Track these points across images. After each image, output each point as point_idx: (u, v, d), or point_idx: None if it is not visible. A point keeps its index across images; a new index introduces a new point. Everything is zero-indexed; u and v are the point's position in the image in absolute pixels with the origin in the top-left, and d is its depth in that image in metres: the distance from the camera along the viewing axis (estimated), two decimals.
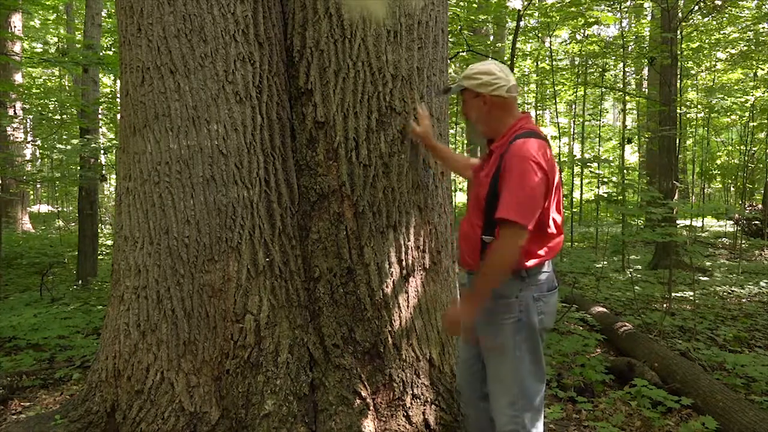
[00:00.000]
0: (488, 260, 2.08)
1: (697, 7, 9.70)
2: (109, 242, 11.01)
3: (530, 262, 2.11)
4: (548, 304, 2.18)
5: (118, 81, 5.24)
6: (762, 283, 7.65)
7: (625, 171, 10.46)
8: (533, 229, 2.05)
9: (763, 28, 11.05)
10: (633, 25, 14.89)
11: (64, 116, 10.95)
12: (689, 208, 8.97)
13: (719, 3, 9.74)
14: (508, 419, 2.15)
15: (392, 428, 2.59)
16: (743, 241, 11.33)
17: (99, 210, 9.03)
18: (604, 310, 5.55)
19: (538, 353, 2.17)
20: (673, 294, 6.24)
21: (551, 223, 2.14)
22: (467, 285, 2.35)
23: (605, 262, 8.97)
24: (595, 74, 12.87)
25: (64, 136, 10.96)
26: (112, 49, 9.78)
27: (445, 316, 2.21)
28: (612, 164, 12.15)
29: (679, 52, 10.16)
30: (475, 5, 8.13)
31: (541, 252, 2.13)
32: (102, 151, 8.38)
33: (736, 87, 13.15)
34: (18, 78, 11.58)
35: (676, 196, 9.21)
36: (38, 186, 16.47)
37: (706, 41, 11.77)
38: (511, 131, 2.19)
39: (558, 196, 2.18)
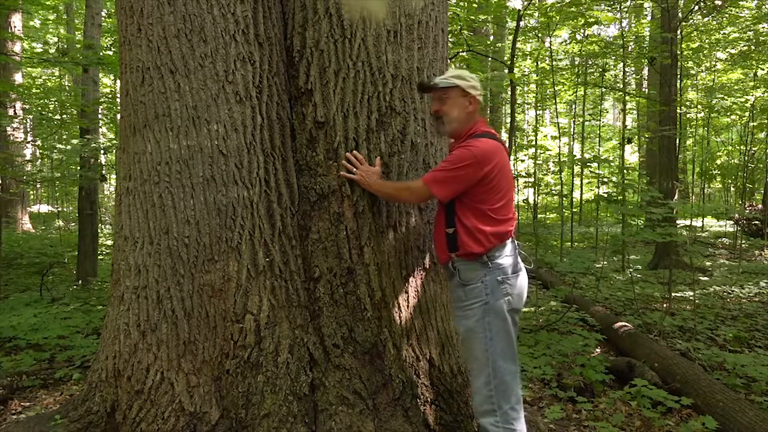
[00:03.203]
0: (396, 185, 2.57)
1: (697, 7, 9.71)
2: (109, 242, 11.01)
3: (486, 246, 2.35)
4: (514, 286, 2.39)
5: (118, 81, 5.24)
6: (762, 283, 7.65)
7: (625, 171, 10.46)
8: (483, 213, 2.35)
9: (763, 28, 11.05)
10: (633, 25, 14.90)
11: (64, 116, 10.96)
12: (689, 208, 8.97)
13: (719, 3, 9.74)
14: (482, 398, 2.34)
15: (392, 428, 2.59)
16: (743, 241, 11.33)
17: (99, 210, 9.02)
18: (604, 310, 5.55)
19: (509, 334, 2.36)
20: (673, 294, 6.24)
21: (502, 210, 2.39)
22: (450, 278, 2.53)
23: (605, 262, 8.97)
24: (595, 74, 12.87)
25: (64, 136, 10.97)
26: (112, 49, 9.79)
27: (362, 168, 2.56)
28: (612, 164, 12.14)
29: (679, 52, 10.16)
30: (475, 5, 8.11)
31: (492, 236, 2.36)
32: (102, 151, 8.38)
33: (736, 87, 13.15)
34: (18, 78, 11.59)
35: (676, 196, 9.21)
36: (38, 186, 16.47)
37: (706, 41, 11.77)
38: (471, 131, 2.46)
39: (503, 188, 2.40)
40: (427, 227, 2.83)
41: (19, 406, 3.42)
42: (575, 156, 13.47)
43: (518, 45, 10.57)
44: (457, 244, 2.39)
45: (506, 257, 2.39)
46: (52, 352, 4.37)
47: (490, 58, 9.11)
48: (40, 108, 10.54)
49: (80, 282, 7.25)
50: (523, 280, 2.44)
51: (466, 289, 2.39)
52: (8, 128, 10.26)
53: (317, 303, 2.69)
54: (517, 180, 10.78)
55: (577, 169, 12.61)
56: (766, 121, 12.27)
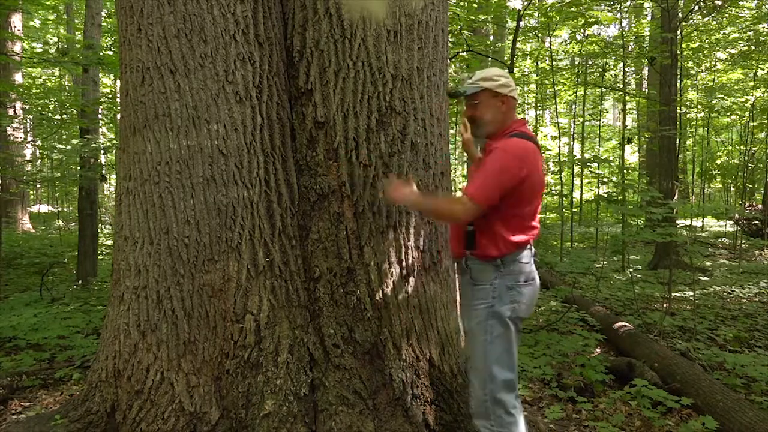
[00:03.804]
0: (439, 203, 2.45)
1: (697, 7, 9.71)
2: (109, 242, 11.01)
3: (502, 251, 2.29)
4: (523, 294, 2.33)
5: (118, 81, 5.24)
6: (762, 283, 7.65)
7: (625, 171, 10.46)
8: (509, 218, 2.27)
9: (763, 28, 11.05)
10: (633, 25, 14.89)
11: (64, 116, 10.96)
12: (689, 208, 8.97)
13: (719, 3, 9.74)
14: (478, 401, 2.32)
15: (392, 428, 2.59)
16: (743, 241, 11.33)
17: (99, 210, 9.02)
18: (604, 310, 5.55)
19: (509, 341, 2.32)
20: (673, 294, 6.24)
21: (528, 217, 2.32)
22: (461, 274, 2.48)
23: (605, 262, 8.97)
24: (595, 74, 12.86)
25: (64, 136, 10.97)
26: (112, 49, 9.79)
27: (397, 186, 2.42)
28: (612, 164, 12.14)
29: (679, 52, 10.16)
30: (475, 5, 8.11)
31: (515, 239, 2.29)
32: (102, 151, 8.38)
33: (736, 87, 13.15)
34: (18, 78, 11.58)
35: (676, 196, 9.21)
36: (38, 186, 16.47)
37: (706, 41, 11.77)
38: (509, 130, 2.37)
39: (537, 194, 2.34)
40: (428, 227, 2.83)
41: (19, 406, 3.42)
42: (575, 156, 13.47)
43: (518, 45, 10.56)
44: (474, 244, 2.33)
45: (520, 264, 2.32)
46: (52, 352, 4.36)
47: (490, 58, 9.10)
48: (40, 108, 10.54)
49: (80, 282, 7.25)
50: (533, 290, 2.38)
51: (475, 289, 2.35)
52: (8, 128, 10.26)
53: (317, 303, 2.69)
54: None
55: (577, 169, 12.61)
56: (766, 121, 12.27)
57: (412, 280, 2.76)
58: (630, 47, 11.74)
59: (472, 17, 7.95)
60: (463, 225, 2.35)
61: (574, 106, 14.59)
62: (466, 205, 2.22)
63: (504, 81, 2.37)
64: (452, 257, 2.61)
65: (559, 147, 14.73)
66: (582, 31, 11.48)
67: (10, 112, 10.26)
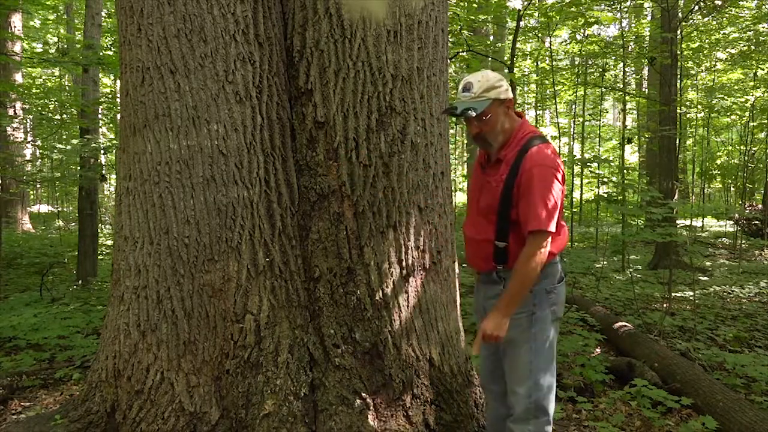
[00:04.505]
0: (521, 270, 2.13)
1: (697, 7, 9.71)
2: (109, 242, 11.01)
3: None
4: (559, 294, 2.29)
5: (118, 81, 5.24)
6: (762, 283, 7.65)
7: (625, 171, 10.46)
8: None
9: (763, 28, 11.05)
10: (633, 25, 14.89)
11: (64, 116, 10.97)
12: (689, 208, 8.97)
13: (719, 3, 9.74)
14: (523, 409, 2.24)
15: (392, 428, 2.59)
16: (743, 241, 11.33)
17: (99, 210, 9.02)
18: (604, 310, 5.55)
19: (552, 345, 2.29)
20: (673, 294, 6.24)
21: (557, 225, 2.20)
22: (489, 284, 2.35)
23: (605, 262, 8.97)
24: (595, 74, 12.87)
25: (64, 136, 10.97)
26: (112, 49, 9.79)
27: (481, 332, 2.23)
28: (612, 164, 12.14)
29: (679, 52, 10.16)
30: (475, 5, 8.11)
31: (554, 248, 2.21)
32: (102, 151, 8.38)
33: (736, 87, 13.15)
34: (18, 78, 11.58)
35: (676, 196, 9.21)
36: (38, 186, 16.47)
37: (706, 41, 11.77)
38: (519, 136, 2.23)
39: (563, 202, 2.26)
40: (428, 227, 2.83)
41: (19, 406, 3.42)
42: (575, 156, 13.47)
43: (518, 45, 10.56)
44: (507, 258, 2.21)
45: (554, 265, 2.26)
46: (52, 352, 4.36)
47: (490, 58, 9.10)
48: (40, 108, 10.54)
49: (80, 282, 7.25)
50: (565, 288, 2.35)
51: None
52: (8, 128, 10.26)
53: (317, 303, 2.69)
54: None
55: (577, 169, 12.61)
56: (766, 121, 12.28)
57: (412, 280, 2.76)
58: (630, 47, 11.74)
59: (472, 17, 7.95)
60: (491, 242, 2.23)
61: (574, 106, 14.60)
62: (544, 242, 2.10)
63: (504, 83, 2.22)
64: (476, 271, 2.44)
65: (559, 147, 14.73)
66: (582, 31, 11.48)
67: (10, 112, 10.26)
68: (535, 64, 13.70)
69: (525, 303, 2.21)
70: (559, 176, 2.14)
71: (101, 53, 7.80)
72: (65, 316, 5.27)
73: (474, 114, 2.16)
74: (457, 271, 3.06)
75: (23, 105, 11.10)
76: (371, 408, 2.59)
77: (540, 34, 12.06)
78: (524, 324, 2.22)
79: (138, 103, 2.61)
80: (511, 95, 2.26)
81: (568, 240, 2.34)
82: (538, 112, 16.63)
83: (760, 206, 13.16)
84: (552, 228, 2.11)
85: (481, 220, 2.29)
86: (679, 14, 9.57)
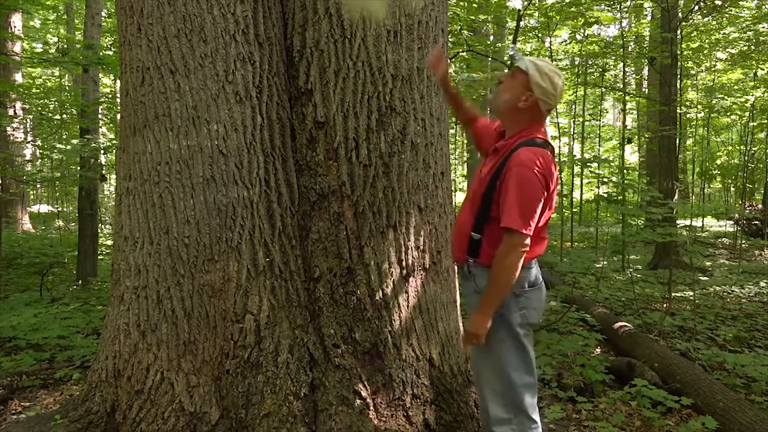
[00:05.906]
0: (494, 268, 2.14)
1: (697, 7, 9.71)
2: (109, 242, 11.01)
3: None
4: (530, 299, 2.25)
5: (118, 81, 5.24)
6: (762, 283, 7.65)
7: (625, 171, 10.46)
8: None
9: (763, 28, 11.05)
10: (633, 25, 14.89)
11: (64, 116, 10.96)
12: (689, 208, 8.97)
13: (719, 3, 9.74)
14: (497, 409, 2.25)
15: (392, 428, 2.59)
16: (743, 241, 11.33)
17: (99, 210, 9.02)
18: (604, 310, 5.55)
19: (523, 347, 2.25)
20: (673, 294, 6.24)
21: (537, 229, 2.18)
22: (464, 279, 2.38)
23: (605, 262, 8.96)
24: (595, 74, 12.86)
25: (64, 136, 10.97)
26: (112, 49, 9.79)
27: (464, 334, 2.26)
28: (612, 164, 12.14)
29: (679, 52, 10.16)
30: (475, 5, 8.11)
31: (527, 255, 2.17)
32: (102, 151, 8.37)
33: (736, 87, 13.15)
34: (18, 78, 11.58)
35: (676, 196, 9.21)
36: (38, 186, 16.48)
37: (706, 41, 11.77)
38: (520, 135, 2.22)
39: (551, 204, 2.24)
40: (428, 227, 2.83)
41: (19, 406, 3.42)
42: (575, 156, 13.47)
43: (518, 45, 10.56)
44: (479, 252, 2.22)
45: (525, 269, 2.21)
46: (52, 352, 4.36)
47: (490, 58, 9.10)
48: (40, 108, 10.53)
49: (80, 282, 7.25)
50: (540, 294, 2.31)
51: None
52: (8, 128, 10.25)
53: (317, 303, 2.69)
54: None
55: (577, 169, 12.61)
56: (766, 121, 12.28)
57: (412, 280, 2.76)
58: (630, 47, 11.74)
59: (472, 17, 7.95)
60: (468, 232, 2.24)
61: (574, 106, 14.59)
62: (519, 243, 2.07)
63: (541, 82, 2.15)
64: (454, 260, 2.49)
65: (559, 147, 14.74)
66: (582, 31, 11.47)
67: (10, 112, 10.26)
68: None
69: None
70: (544, 182, 2.10)
71: (101, 53, 7.81)
72: (65, 316, 5.27)
73: (510, 61, 2.22)
74: (456, 270, 3.06)
75: (23, 105, 11.09)
76: (371, 408, 2.59)
77: (540, 34, 12.06)
78: (492, 327, 2.20)
79: (138, 103, 2.61)
80: (537, 96, 2.17)
81: (544, 251, 2.30)
82: None
83: (760, 206, 13.15)
84: (528, 230, 2.08)
85: (467, 209, 2.31)
86: (679, 14, 9.57)
